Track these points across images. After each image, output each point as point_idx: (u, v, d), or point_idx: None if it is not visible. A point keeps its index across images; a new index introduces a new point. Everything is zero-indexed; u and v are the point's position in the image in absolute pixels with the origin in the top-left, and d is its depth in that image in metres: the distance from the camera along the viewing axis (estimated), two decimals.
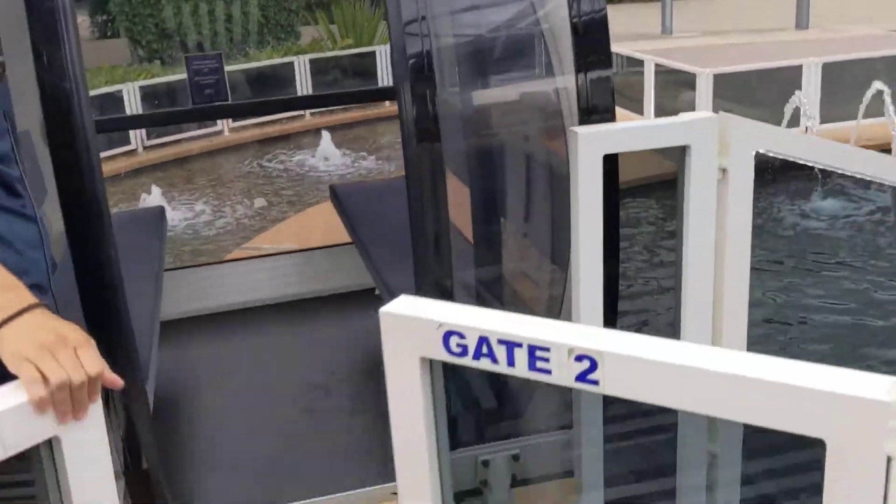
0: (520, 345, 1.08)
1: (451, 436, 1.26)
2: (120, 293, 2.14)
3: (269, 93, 13.50)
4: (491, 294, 2.65)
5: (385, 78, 14.08)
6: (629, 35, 15.79)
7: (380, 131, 12.92)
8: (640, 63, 11.10)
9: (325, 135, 11.97)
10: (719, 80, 9.83)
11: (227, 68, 13.39)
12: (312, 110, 13.65)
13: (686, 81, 10.90)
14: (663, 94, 10.96)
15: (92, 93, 11.76)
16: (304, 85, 13.59)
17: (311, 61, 13.65)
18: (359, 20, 15.05)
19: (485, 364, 1.11)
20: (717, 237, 2.12)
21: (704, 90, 9.76)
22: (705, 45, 15.93)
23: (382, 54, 14.20)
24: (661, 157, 2.22)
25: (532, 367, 1.09)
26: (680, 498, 2.07)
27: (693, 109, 10.98)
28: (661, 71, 10.86)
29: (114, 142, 10.86)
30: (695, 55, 12.38)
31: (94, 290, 2.10)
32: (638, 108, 10.91)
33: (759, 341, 4.27)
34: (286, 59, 13.70)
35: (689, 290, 2.16)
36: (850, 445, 0.88)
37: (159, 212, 3.61)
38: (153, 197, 9.08)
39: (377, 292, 3.31)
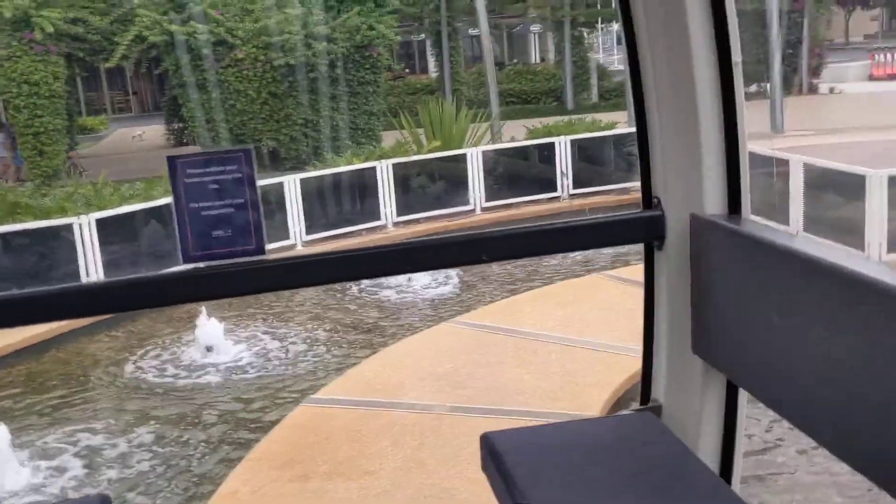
0: None
1: None
2: None
3: (349, 200, 12.19)
4: None
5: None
6: None
7: None
8: (783, 163, 9.38)
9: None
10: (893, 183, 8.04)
11: (310, 174, 11.78)
12: (396, 220, 12.23)
13: (840, 184, 9.15)
14: (809, 202, 9.20)
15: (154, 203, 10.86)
16: (386, 190, 12.22)
17: (395, 165, 12.30)
18: (446, 121, 13.77)
19: None
20: None
21: (878, 195, 7.94)
22: (834, 144, 14.21)
23: (473, 158, 12.80)
24: None
25: None
26: None
27: (850, 217, 9.22)
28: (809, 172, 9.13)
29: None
30: (833, 153, 10.71)
31: None
32: (779, 217, 9.12)
33: None
34: (368, 165, 12.38)
35: None
36: None
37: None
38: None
39: None
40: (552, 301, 8.02)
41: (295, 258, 1.85)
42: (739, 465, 1.90)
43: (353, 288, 9.48)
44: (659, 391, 2.03)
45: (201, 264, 1.69)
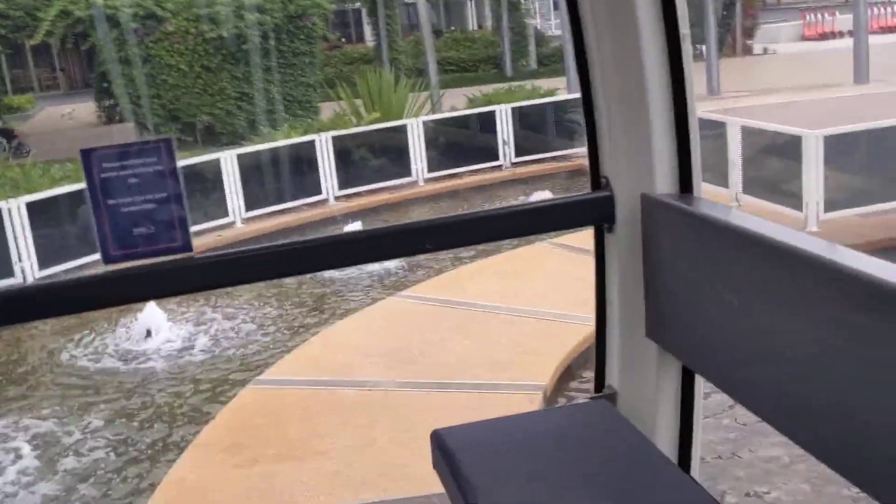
0: None
1: None
2: None
3: (288, 175, 11.97)
4: None
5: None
6: None
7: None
8: (718, 125, 9.46)
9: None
10: (829, 143, 8.15)
11: (247, 149, 11.62)
12: (338, 194, 12.07)
13: (775, 146, 9.27)
14: (747, 163, 9.31)
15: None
16: (326, 164, 12.03)
17: (335, 138, 12.11)
18: (385, 92, 13.57)
19: None
20: None
21: (814, 155, 8.05)
22: (770, 104, 14.41)
23: (414, 129, 12.66)
24: None
25: None
26: None
27: (789, 178, 9.35)
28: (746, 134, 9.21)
29: None
30: (769, 114, 10.85)
31: None
32: (719, 180, 9.22)
33: None
34: (306, 138, 12.15)
35: None
36: None
37: None
38: None
39: None
40: (498, 272, 8.01)
41: (226, 255, 1.71)
42: (698, 452, 1.86)
43: None
44: (613, 377, 1.98)
45: (124, 265, 1.57)
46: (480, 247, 9.55)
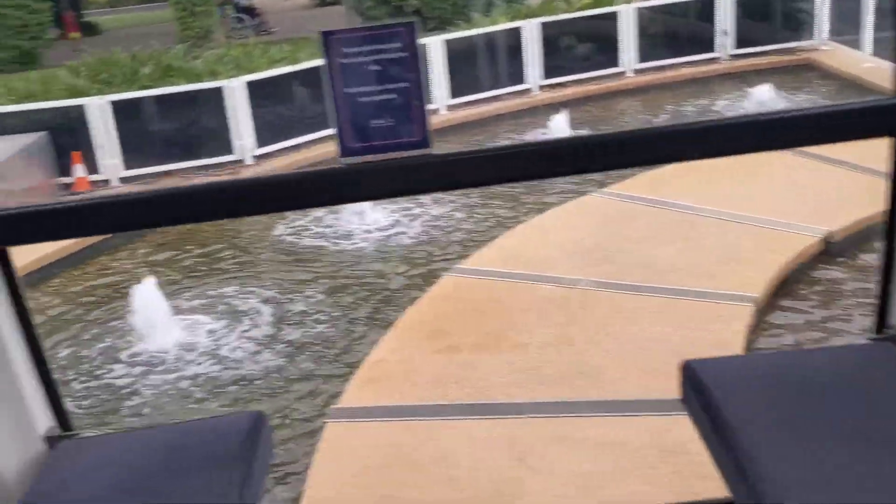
0: None
1: None
2: None
3: (493, 63, 11.79)
4: None
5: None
6: None
7: None
8: None
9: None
10: None
11: (453, 34, 11.57)
12: (542, 83, 11.78)
13: None
14: None
15: (302, 66, 10.83)
16: (532, 53, 11.73)
17: (543, 25, 11.73)
18: None
19: None
20: None
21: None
22: None
23: (626, 16, 12.03)
24: None
25: None
26: None
27: None
28: None
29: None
30: None
31: None
32: None
33: None
34: (513, 24, 11.85)
35: None
36: None
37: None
38: None
39: None
40: (712, 173, 7.55)
41: (467, 153, 1.57)
42: None
43: None
44: None
45: (360, 158, 1.47)
46: None
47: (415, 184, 1.59)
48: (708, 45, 12.38)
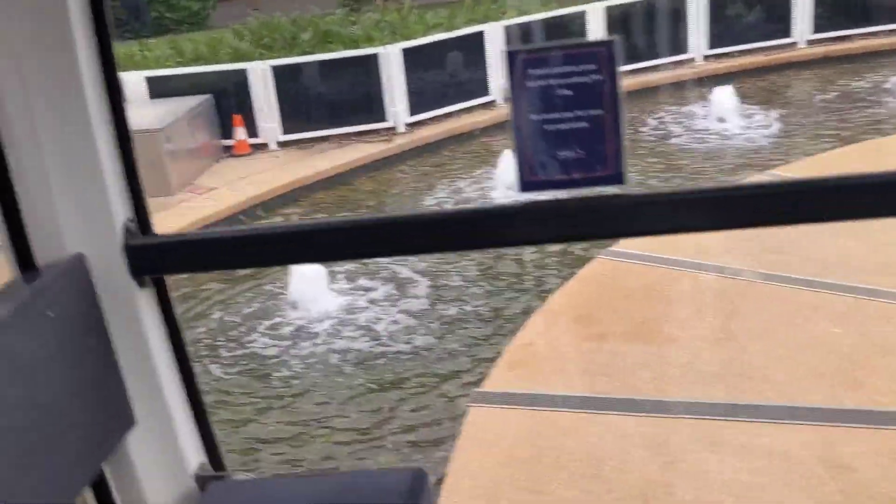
0: None
1: None
2: None
3: (654, 30, 11.27)
4: None
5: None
6: None
7: None
8: None
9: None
10: None
11: (606, 1, 11.20)
12: (706, 53, 11.20)
13: None
14: None
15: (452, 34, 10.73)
16: (696, 19, 11.14)
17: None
18: None
19: None
20: None
21: None
22: None
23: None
24: None
25: None
26: None
27: None
28: None
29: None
30: None
31: None
32: None
33: None
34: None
35: None
36: None
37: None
38: None
39: None
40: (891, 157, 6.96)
41: (676, 193, 1.33)
42: None
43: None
44: None
45: (542, 195, 1.27)
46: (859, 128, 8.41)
47: (610, 225, 1.35)
48: (892, 16, 11.39)
